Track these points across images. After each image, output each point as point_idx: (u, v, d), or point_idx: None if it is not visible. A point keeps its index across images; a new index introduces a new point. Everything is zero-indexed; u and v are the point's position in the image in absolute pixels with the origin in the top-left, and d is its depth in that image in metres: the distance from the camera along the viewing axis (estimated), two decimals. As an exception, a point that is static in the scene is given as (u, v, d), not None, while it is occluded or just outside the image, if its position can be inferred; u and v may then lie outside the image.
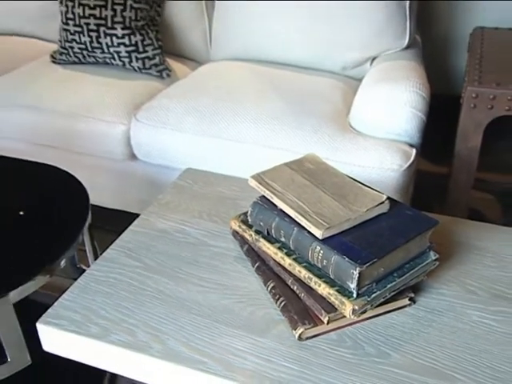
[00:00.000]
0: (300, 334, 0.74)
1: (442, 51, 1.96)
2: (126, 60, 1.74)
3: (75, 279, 1.27)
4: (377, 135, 1.40)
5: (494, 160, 2.02)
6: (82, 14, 1.71)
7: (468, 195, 1.50)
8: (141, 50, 1.73)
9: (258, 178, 0.87)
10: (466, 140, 1.44)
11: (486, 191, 1.86)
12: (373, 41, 1.67)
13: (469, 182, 1.49)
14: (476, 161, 1.46)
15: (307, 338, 0.75)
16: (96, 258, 1.29)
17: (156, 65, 1.75)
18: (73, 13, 1.73)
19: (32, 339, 0.98)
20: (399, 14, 1.64)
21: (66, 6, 1.74)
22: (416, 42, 1.78)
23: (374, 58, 1.71)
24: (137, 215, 1.07)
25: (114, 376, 1.33)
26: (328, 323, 0.74)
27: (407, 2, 1.64)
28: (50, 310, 0.80)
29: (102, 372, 1.30)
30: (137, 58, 1.73)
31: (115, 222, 1.49)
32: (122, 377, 0.87)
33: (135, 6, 1.70)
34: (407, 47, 1.70)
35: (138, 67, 1.75)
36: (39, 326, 0.79)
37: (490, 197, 1.86)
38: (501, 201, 1.86)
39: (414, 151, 1.38)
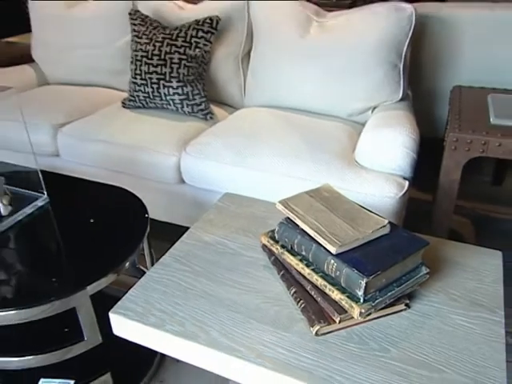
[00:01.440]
0: (317, 331, 0.73)
1: (428, 103, 1.95)
2: (179, 106, 1.77)
3: (134, 277, 1.28)
4: (377, 169, 1.39)
5: (471, 191, 1.99)
6: (146, 70, 1.75)
7: (449, 219, 1.48)
8: (191, 98, 1.75)
9: (284, 202, 0.87)
10: (448, 175, 1.42)
11: (463, 216, 1.83)
12: (373, 94, 1.66)
13: (450, 208, 1.46)
14: (456, 191, 1.43)
15: (322, 334, 0.74)
16: (152, 260, 1.29)
17: (202, 110, 1.77)
18: (140, 70, 1.76)
19: (103, 324, 0.99)
20: (394, 74, 1.64)
21: (135, 64, 1.78)
22: (408, 95, 1.77)
23: (374, 108, 1.70)
24: (183, 227, 1.07)
25: (163, 356, 1.33)
26: (339, 322, 0.73)
27: (401, 65, 1.64)
28: (119, 303, 0.81)
29: (154, 352, 1.29)
30: (187, 105, 1.76)
31: (166, 232, 1.50)
32: (169, 357, 0.87)
33: (188, 64, 1.73)
34: (401, 99, 1.69)
35: (188, 111, 1.77)
36: (111, 315, 0.79)
37: (467, 220, 1.83)
38: (475, 223, 1.83)
39: (406, 183, 1.36)
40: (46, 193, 1.26)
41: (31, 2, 2.15)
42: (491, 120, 1.43)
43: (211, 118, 1.79)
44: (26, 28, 2.25)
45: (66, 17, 2.08)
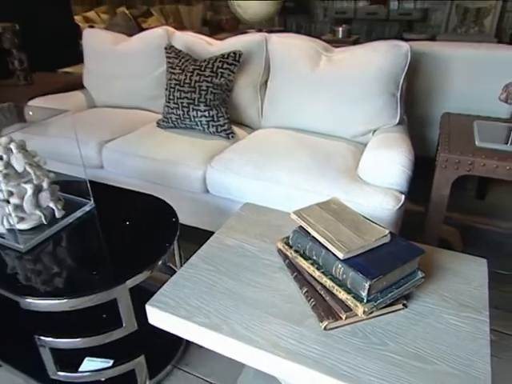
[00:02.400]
0: (325, 326, 0.73)
1: (421, 127, 1.94)
2: (206, 126, 1.78)
3: (165, 273, 1.28)
4: (377, 184, 1.37)
5: (458, 204, 1.96)
6: (178, 96, 1.77)
7: (439, 228, 1.45)
8: (215, 120, 1.76)
9: (297, 213, 0.87)
10: (439, 190, 1.40)
11: (452, 226, 1.80)
12: (374, 119, 1.65)
13: (440, 219, 1.44)
14: (446, 204, 1.41)
15: (330, 329, 0.73)
16: (181, 259, 1.29)
17: (225, 130, 1.78)
18: (173, 95, 1.79)
19: (139, 313, 1.00)
20: (392, 102, 1.63)
21: (169, 91, 1.80)
22: (404, 120, 1.76)
23: (375, 130, 1.69)
24: (208, 232, 1.06)
25: (188, 342, 1.32)
26: (345, 319, 0.73)
27: (398, 94, 1.63)
28: (154, 297, 0.81)
29: (180, 339, 1.29)
30: (212, 125, 1.77)
31: (193, 235, 1.50)
32: (194, 343, 0.86)
33: (214, 91, 1.75)
34: (398, 124, 1.67)
35: (213, 131, 1.79)
36: (147, 307, 0.80)
37: (455, 230, 1.80)
38: (462, 233, 1.80)
39: (403, 196, 1.34)
40: (92, 199, 1.28)
41: (84, 39, 2.21)
42: (476, 143, 1.42)
43: (233, 137, 1.80)
44: (79, 60, 2.31)
45: (112, 51, 2.12)
